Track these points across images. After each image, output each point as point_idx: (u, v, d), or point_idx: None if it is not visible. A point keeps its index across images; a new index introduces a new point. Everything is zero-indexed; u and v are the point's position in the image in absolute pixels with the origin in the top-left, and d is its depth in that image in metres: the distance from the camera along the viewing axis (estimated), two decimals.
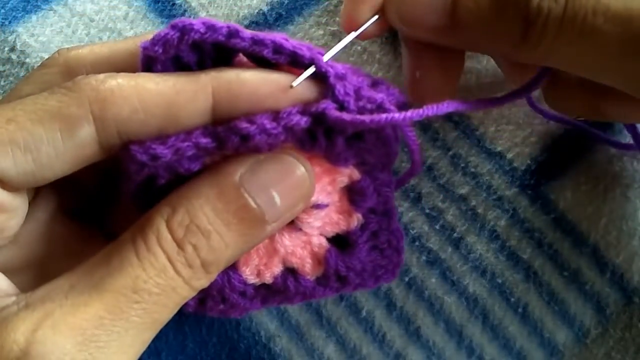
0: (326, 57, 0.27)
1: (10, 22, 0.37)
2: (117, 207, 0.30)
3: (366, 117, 0.26)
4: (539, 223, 0.35)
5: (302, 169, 0.27)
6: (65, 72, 0.27)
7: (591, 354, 0.33)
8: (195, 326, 0.34)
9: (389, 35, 0.37)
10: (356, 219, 0.30)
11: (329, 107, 0.26)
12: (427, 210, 0.35)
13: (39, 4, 0.38)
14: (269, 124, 0.25)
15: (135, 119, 0.25)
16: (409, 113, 0.26)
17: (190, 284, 0.25)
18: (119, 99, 0.24)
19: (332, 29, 0.38)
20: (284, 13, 0.38)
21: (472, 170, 0.35)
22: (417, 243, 0.35)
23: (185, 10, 0.38)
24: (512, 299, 0.34)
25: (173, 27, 0.25)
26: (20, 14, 0.38)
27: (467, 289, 0.34)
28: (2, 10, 0.38)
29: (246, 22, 0.38)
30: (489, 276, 0.34)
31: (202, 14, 0.38)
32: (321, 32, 0.38)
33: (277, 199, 0.26)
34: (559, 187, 0.35)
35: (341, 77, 0.27)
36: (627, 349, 0.33)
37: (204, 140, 0.25)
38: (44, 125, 0.24)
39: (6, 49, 0.37)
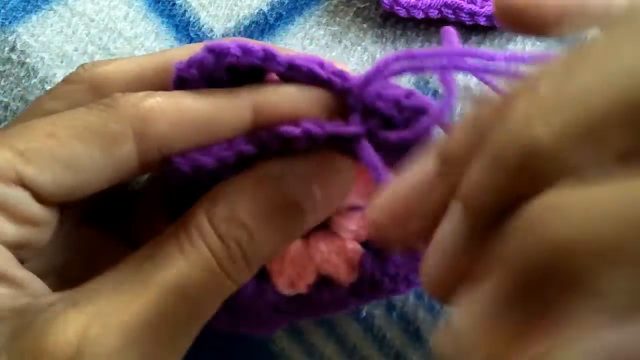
0: None
1: (10, 22, 0.37)
2: (138, 215, 0.30)
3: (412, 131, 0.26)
4: None
5: (344, 164, 0.27)
6: (92, 89, 0.27)
7: None
8: None
9: (390, 35, 0.37)
10: None
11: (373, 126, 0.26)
12: None
13: (39, 4, 0.38)
14: (314, 129, 0.25)
15: (175, 135, 0.25)
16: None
17: (232, 277, 0.25)
18: (159, 115, 0.24)
19: (332, 29, 0.38)
20: (284, 13, 0.38)
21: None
22: None
23: (185, 10, 0.38)
24: None
25: (210, 50, 0.25)
26: (20, 14, 0.38)
27: None
28: (2, 10, 0.38)
29: (246, 22, 0.38)
30: None
31: (202, 14, 0.38)
32: (322, 32, 0.38)
33: (317, 193, 0.26)
34: None
35: (379, 96, 0.26)
36: None
37: (246, 147, 0.25)
38: (84, 141, 0.24)
39: (6, 49, 0.37)
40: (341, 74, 0.26)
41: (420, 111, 0.26)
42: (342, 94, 0.26)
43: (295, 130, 0.25)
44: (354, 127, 0.26)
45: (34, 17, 0.38)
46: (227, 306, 0.29)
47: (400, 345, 0.34)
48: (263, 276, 0.30)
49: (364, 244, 0.30)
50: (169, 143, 0.25)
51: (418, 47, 0.37)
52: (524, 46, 0.37)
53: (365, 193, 0.30)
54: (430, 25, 0.38)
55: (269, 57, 0.26)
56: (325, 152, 0.27)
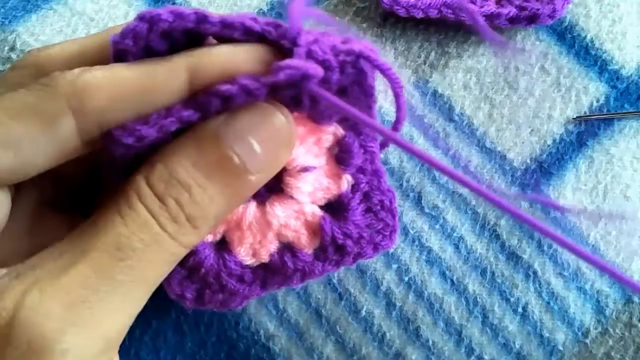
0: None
1: (10, 22, 0.37)
2: (101, 197, 0.30)
3: (344, 105, 0.26)
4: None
5: (280, 115, 0.26)
6: (37, 73, 0.27)
7: (591, 353, 0.33)
8: (194, 325, 0.34)
9: (389, 34, 0.37)
10: (346, 181, 0.30)
11: (310, 70, 0.25)
12: (427, 210, 0.35)
13: (39, 3, 0.38)
14: (250, 84, 0.25)
15: (113, 108, 0.25)
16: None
17: (177, 239, 0.25)
18: (96, 89, 0.24)
19: (332, 28, 0.38)
20: (284, 13, 0.38)
21: (472, 170, 0.35)
22: (417, 243, 0.35)
23: None
24: (512, 299, 0.34)
25: (141, 18, 0.25)
26: (20, 14, 0.38)
27: (467, 289, 0.34)
28: (2, 10, 0.38)
29: None
30: (489, 276, 0.34)
31: None
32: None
33: (257, 147, 0.26)
34: (559, 187, 0.35)
35: (314, 41, 0.26)
36: (627, 349, 0.33)
37: (186, 113, 0.25)
38: (23, 122, 0.24)
39: (6, 48, 0.37)
40: (275, 24, 0.26)
41: (356, 56, 0.27)
42: (278, 45, 0.26)
43: (232, 88, 0.25)
44: (297, 64, 0.25)
45: (33, 17, 0.38)
46: (192, 282, 0.29)
47: (399, 345, 0.34)
48: (224, 246, 0.30)
49: (323, 207, 0.30)
50: (107, 116, 0.25)
51: (417, 46, 0.37)
52: (524, 46, 0.37)
53: (318, 152, 0.29)
54: (429, 25, 0.38)
55: (200, 18, 0.25)
56: (263, 105, 0.26)
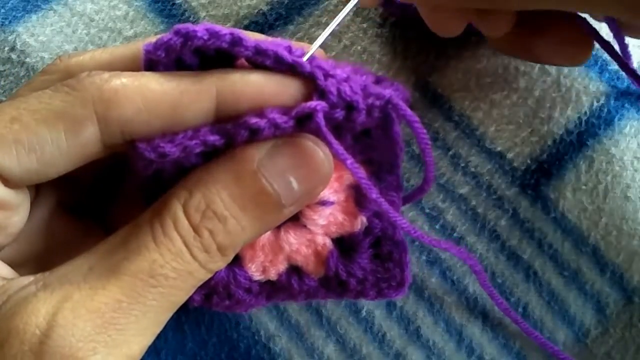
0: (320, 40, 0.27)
1: (10, 22, 0.37)
2: (117, 202, 0.30)
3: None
4: (539, 223, 0.35)
5: (321, 153, 0.27)
6: (66, 78, 0.27)
7: (591, 354, 0.33)
8: (195, 325, 0.34)
9: (389, 34, 0.37)
10: (360, 222, 0.30)
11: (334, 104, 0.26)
12: (427, 210, 0.35)
13: (39, 3, 0.38)
14: (279, 118, 0.25)
15: (139, 119, 0.25)
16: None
17: (206, 267, 0.26)
18: (123, 99, 0.24)
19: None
20: (284, 13, 0.38)
21: (472, 170, 0.35)
22: (417, 243, 0.35)
23: (185, 10, 0.38)
24: (512, 299, 0.34)
25: (176, 32, 0.25)
26: (20, 14, 0.38)
27: (467, 289, 0.34)
28: (2, 10, 0.38)
29: (246, 21, 0.38)
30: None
31: (202, 14, 0.38)
32: (321, 32, 0.38)
33: (295, 184, 0.26)
34: (559, 187, 0.35)
35: (346, 79, 0.27)
36: (627, 349, 0.33)
37: (212, 138, 0.25)
38: (47, 124, 0.24)
39: (6, 48, 0.37)
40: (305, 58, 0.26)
41: (385, 102, 0.27)
42: (309, 78, 0.26)
43: (261, 122, 0.25)
44: (310, 103, 0.26)
45: (33, 17, 0.38)
46: (201, 287, 0.29)
47: (400, 345, 0.34)
48: (235, 260, 0.30)
49: (335, 240, 0.30)
50: (132, 126, 0.25)
51: (417, 46, 0.37)
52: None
53: (338, 188, 0.30)
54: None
55: (235, 40, 0.26)
56: (303, 142, 0.26)
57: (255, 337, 0.34)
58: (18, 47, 0.37)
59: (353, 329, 0.34)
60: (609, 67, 0.37)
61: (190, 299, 0.29)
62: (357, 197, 0.30)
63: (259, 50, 0.26)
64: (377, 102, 0.27)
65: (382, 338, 0.34)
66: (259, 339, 0.34)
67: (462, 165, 0.36)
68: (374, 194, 0.27)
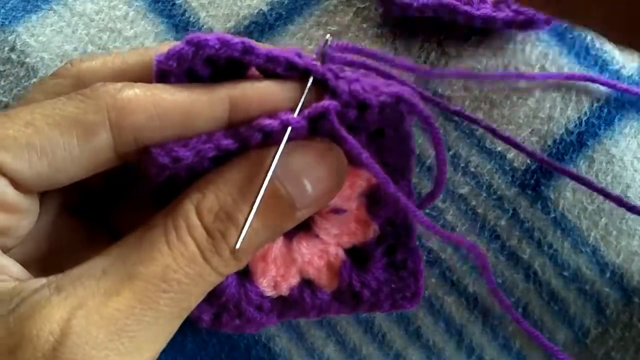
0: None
1: (10, 22, 0.37)
2: (119, 204, 0.30)
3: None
4: (539, 223, 0.35)
5: (335, 156, 0.27)
6: (77, 83, 0.28)
7: (591, 354, 0.33)
8: (195, 326, 0.34)
9: (389, 34, 0.37)
10: (373, 230, 0.30)
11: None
12: (427, 210, 0.35)
13: (39, 3, 0.38)
14: (292, 119, 0.25)
15: (152, 126, 0.25)
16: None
17: (218, 270, 0.26)
18: (136, 106, 0.25)
19: (332, 29, 0.38)
20: (284, 13, 0.38)
21: (472, 170, 0.35)
22: (417, 243, 0.35)
23: (185, 10, 0.38)
24: (512, 299, 0.34)
25: (188, 42, 0.26)
26: (20, 14, 0.38)
27: (467, 289, 0.34)
28: (2, 10, 0.38)
29: (246, 22, 0.38)
30: None
31: (202, 14, 0.38)
32: (321, 32, 0.38)
33: (309, 187, 0.26)
34: (559, 187, 0.35)
35: (356, 79, 0.27)
36: (627, 349, 0.33)
37: (225, 142, 0.25)
38: (61, 130, 0.24)
39: (6, 48, 0.37)
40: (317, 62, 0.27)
41: (397, 99, 0.27)
42: (320, 83, 0.26)
43: (274, 123, 0.25)
44: (323, 103, 0.26)
45: (33, 17, 0.38)
46: (211, 306, 0.29)
47: (400, 346, 0.34)
48: (246, 275, 0.30)
49: (348, 251, 0.30)
50: (144, 134, 0.25)
51: (417, 47, 0.37)
52: (523, 46, 0.37)
53: (350, 196, 0.29)
54: (429, 26, 0.37)
55: (247, 49, 0.26)
56: (318, 145, 0.27)
57: (255, 337, 0.34)
58: (18, 47, 0.37)
59: (353, 330, 0.34)
60: (609, 67, 0.37)
61: (200, 319, 0.29)
62: (369, 205, 0.30)
63: (270, 58, 0.26)
64: (389, 100, 0.27)
65: (382, 338, 0.34)
66: (259, 339, 0.34)
67: (462, 165, 0.36)
68: (391, 187, 0.27)
